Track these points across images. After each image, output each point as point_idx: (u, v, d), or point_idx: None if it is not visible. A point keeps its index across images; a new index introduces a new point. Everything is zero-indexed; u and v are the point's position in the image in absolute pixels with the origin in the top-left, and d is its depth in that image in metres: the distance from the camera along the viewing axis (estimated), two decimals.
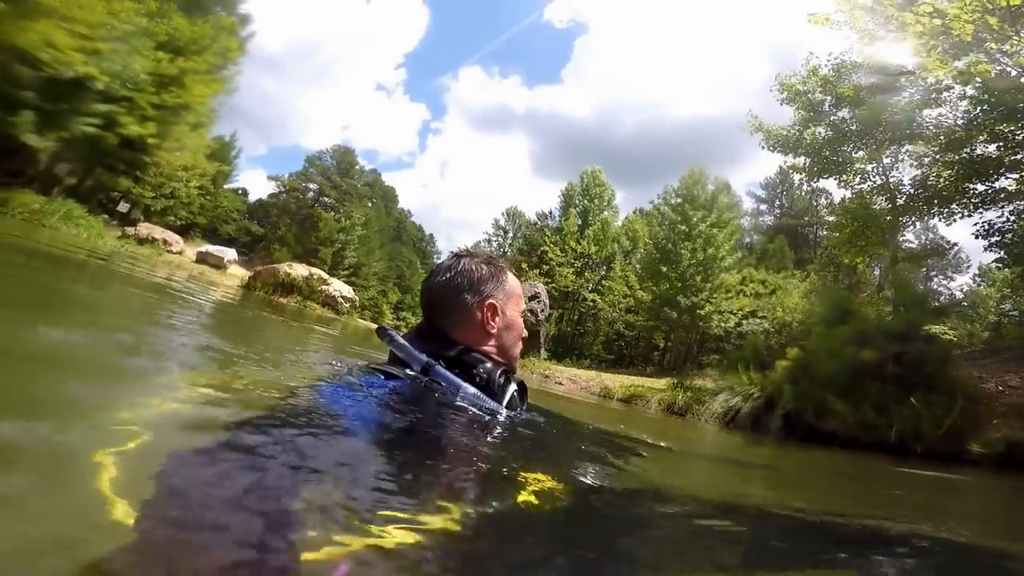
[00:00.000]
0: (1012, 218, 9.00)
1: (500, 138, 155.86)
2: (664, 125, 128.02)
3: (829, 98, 10.52)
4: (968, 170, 9.12)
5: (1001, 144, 8.74)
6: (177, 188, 24.83)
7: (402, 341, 1.21)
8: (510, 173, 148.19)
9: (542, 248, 28.22)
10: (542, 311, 17.67)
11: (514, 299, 1.36)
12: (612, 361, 23.28)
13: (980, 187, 9.27)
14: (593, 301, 27.66)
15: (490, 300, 1.28)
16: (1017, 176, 8.73)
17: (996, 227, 9.18)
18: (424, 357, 1.13)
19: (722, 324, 21.78)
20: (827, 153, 10.83)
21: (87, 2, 11.93)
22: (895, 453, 5.12)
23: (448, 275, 1.29)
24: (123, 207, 21.57)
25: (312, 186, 40.98)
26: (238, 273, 23.74)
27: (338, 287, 23.41)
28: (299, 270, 22.10)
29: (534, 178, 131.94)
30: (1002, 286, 11.66)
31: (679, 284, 22.43)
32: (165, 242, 22.13)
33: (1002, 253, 9.35)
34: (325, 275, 23.57)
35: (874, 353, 6.28)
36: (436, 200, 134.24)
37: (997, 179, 9.01)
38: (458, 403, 1.08)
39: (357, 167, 43.92)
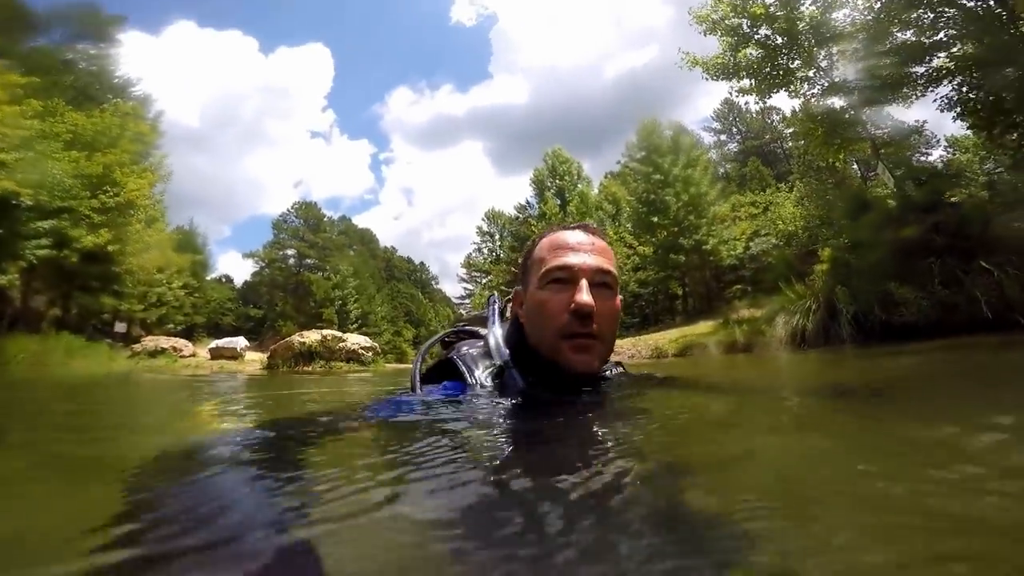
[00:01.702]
0: (963, 90, 9.25)
1: (452, 149, 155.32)
2: (602, 87, 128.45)
3: (745, 20, 10.65)
4: (901, 57, 9.38)
5: (915, 29, 9.10)
6: (163, 293, 24.58)
7: (496, 333, 1.18)
8: (475, 179, 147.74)
9: (531, 239, 28.35)
10: None
11: (534, 267, 1.12)
12: (638, 324, 23.65)
13: (920, 69, 9.49)
14: None
15: (516, 288, 1.19)
16: (945, 55, 9.06)
17: (954, 99, 9.44)
18: (507, 354, 1.10)
19: (731, 252, 22.22)
20: (767, 69, 10.87)
21: None
22: (991, 329, 4.73)
23: None
24: (120, 327, 21.42)
25: (289, 252, 40.74)
26: (255, 357, 23.72)
27: (355, 340, 23.42)
28: (311, 336, 22.07)
29: (500, 177, 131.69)
30: (977, 150, 12.00)
31: (675, 228, 22.86)
32: (175, 349, 22.00)
33: (969, 121, 9.64)
34: (338, 333, 23.64)
35: (914, 228, 6.51)
36: (413, 227, 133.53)
37: (930, 60, 9.26)
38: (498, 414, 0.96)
39: (325, 219, 43.80)
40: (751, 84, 11.20)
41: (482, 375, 1.06)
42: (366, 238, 50.75)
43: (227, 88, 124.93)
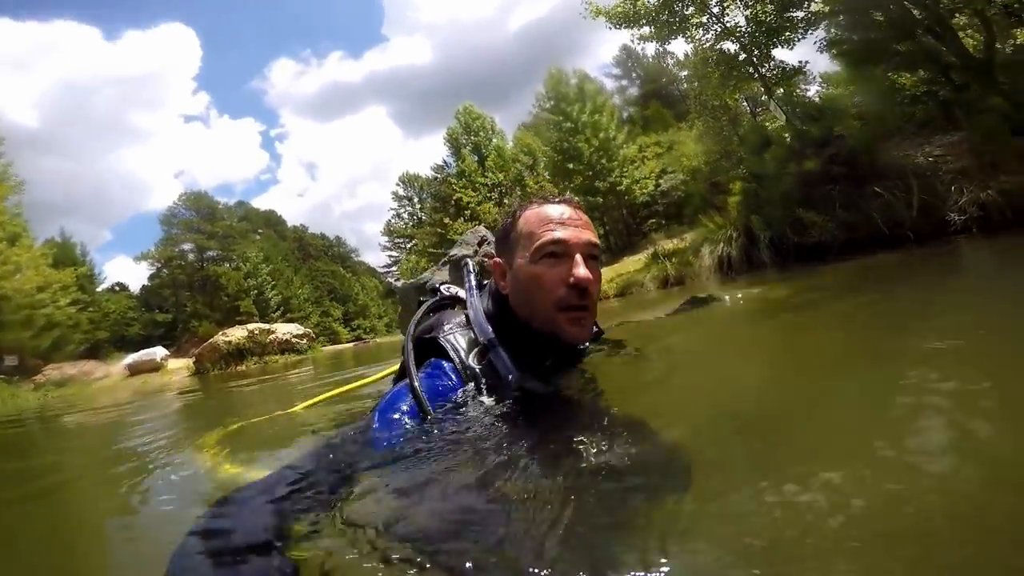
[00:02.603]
0: (835, 32, 10.37)
1: (353, 117, 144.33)
2: (505, 39, 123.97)
3: None
4: (784, 1, 10.27)
5: None
6: (51, 314, 21.97)
7: (477, 306, 1.14)
8: (383, 145, 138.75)
9: (455, 197, 28.26)
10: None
11: (523, 240, 1.11)
12: None
13: (800, 13, 10.42)
14: None
15: (495, 259, 1.19)
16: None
17: (831, 41, 10.59)
18: (490, 331, 1.06)
19: (643, 190, 23.60)
20: (665, 16, 11.29)
21: None
22: (889, 245, 5.50)
23: None
24: (9, 360, 19.05)
25: (187, 246, 37.18)
26: (179, 365, 22.10)
27: (285, 329, 22.50)
28: (237, 333, 20.91)
29: (409, 140, 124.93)
30: (846, 85, 13.56)
31: (590, 173, 23.83)
32: (84, 373, 19.98)
33: (843, 60, 10.85)
34: (265, 325, 22.49)
35: (814, 162, 7.52)
36: (321, 202, 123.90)
37: (808, 5, 10.24)
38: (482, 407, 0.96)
39: (221, 206, 40.19)
40: (651, 31, 11.63)
41: (468, 357, 1.04)
42: (271, 220, 47.20)
43: (69, 83, 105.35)
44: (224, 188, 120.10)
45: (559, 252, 1.06)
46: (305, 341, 22.36)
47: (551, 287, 1.04)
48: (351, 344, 29.37)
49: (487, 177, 28.38)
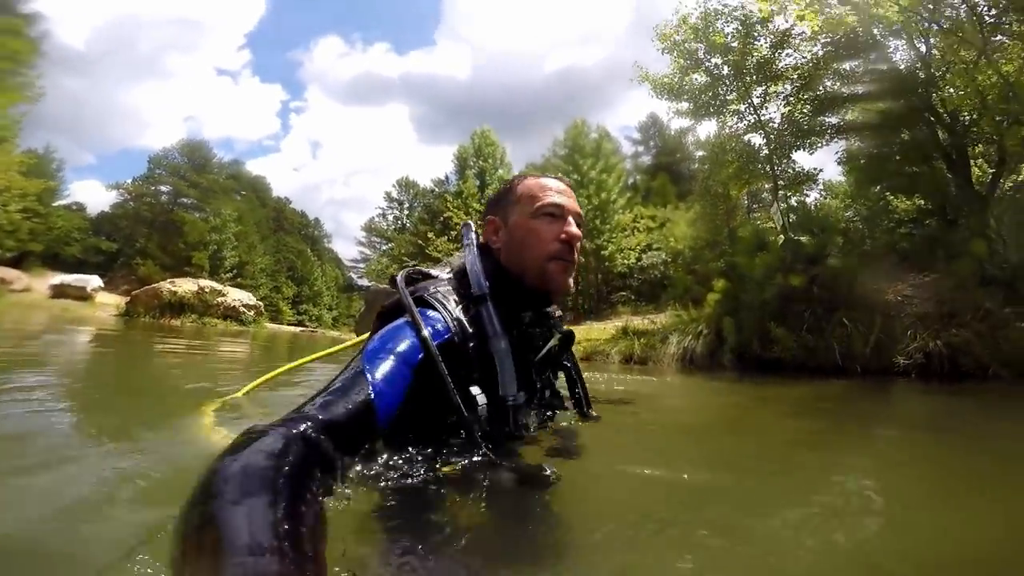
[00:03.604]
0: (857, 143, 10.73)
1: (376, 109, 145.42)
2: (541, 78, 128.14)
3: (702, 46, 11.09)
4: (822, 105, 10.45)
5: (842, 81, 10.34)
6: None
7: (473, 261, 1.23)
8: (394, 144, 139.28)
9: (446, 215, 27.97)
10: None
11: (523, 201, 1.27)
12: None
13: (833, 119, 10.67)
14: None
15: (488, 217, 1.32)
16: (859, 107, 10.40)
17: (850, 152, 10.94)
18: (485, 284, 1.17)
19: (625, 261, 23.61)
20: (706, 98, 11.46)
21: None
22: (839, 375, 5.59)
23: None
24: None
25: (164, 188, 35.59)
26: (109, 301, 20.67)
27: (237, 296, 21.48)
28: (185, 286, 19.83)
29: (421, 145, 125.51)
30: (844, 197, 13.92)
31: None
32: (4, 282, 18.44)
33: (853, 175, 11.21)
34: (219, 286, 21.38)
35: (801, 279, 7.42)
36: (313, 182, 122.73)
37: (845, 112, 10.52)
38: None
39: (214, 160, 38.96)
40: (689, 108, 11.70)
41: (455, 310, 1.11)
42: (257, 186, 45.54)
43: (130, 15, 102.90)
44: (225, 143, 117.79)
45: (556, 213, 1.23)
46: (252, 313, 21.35)
47: (547, 240, 1.21)
48: (296, 328, 28.12)
49: (482, 205, 28.28)
